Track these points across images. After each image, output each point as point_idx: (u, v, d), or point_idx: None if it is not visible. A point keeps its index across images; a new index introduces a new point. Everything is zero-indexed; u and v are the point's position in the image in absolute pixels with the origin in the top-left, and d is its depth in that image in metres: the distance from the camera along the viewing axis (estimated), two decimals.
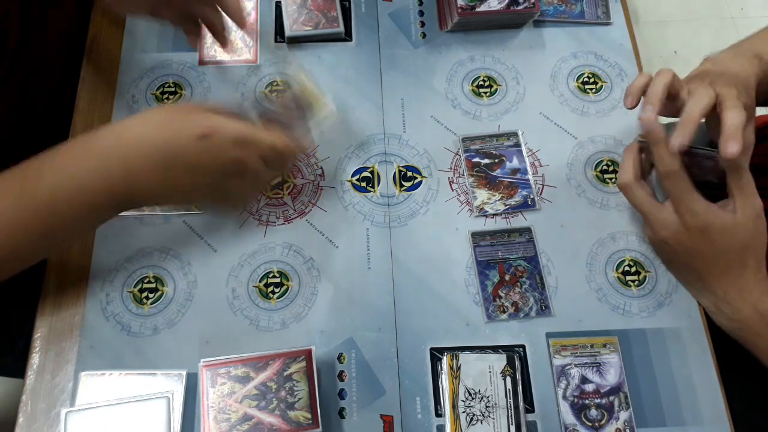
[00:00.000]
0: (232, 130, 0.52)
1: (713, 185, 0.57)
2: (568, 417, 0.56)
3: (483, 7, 0.71)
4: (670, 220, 0.56)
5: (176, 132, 0.51)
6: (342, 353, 0.58)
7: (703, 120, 0.55)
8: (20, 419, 0.54)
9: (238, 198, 0.60)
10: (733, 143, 0.51)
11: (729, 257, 0.55)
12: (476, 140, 0.68)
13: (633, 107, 0.58)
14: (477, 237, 0.63)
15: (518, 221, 0.65)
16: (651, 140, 0.55)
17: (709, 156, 0.56)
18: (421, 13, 0.75)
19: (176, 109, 0.54)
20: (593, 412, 0.57)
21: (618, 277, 0.63)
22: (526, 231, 0.64)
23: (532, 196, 0.65)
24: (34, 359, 0.57)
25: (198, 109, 0.53)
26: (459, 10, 0.70)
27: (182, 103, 0.68)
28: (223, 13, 0.63)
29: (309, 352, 0.54)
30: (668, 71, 0.57)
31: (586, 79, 0.72)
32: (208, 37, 0.72)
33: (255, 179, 0.56)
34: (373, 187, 0.66)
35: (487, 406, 0.55)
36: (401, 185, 0.66)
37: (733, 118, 0.52)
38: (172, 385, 0.55)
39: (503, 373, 0.57)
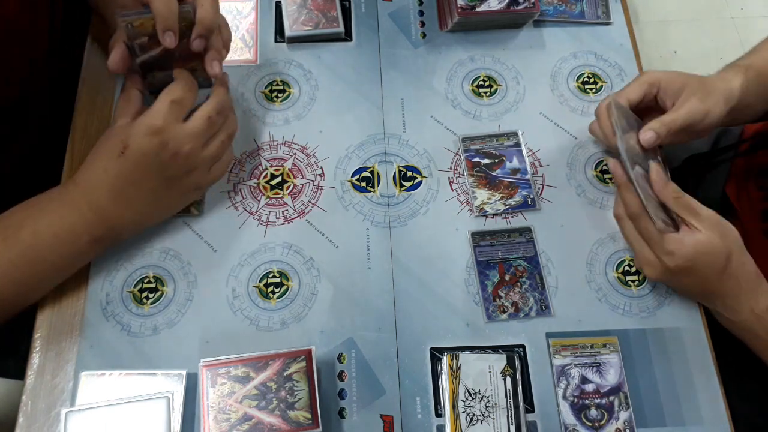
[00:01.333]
0: (145, 126, 0.53)
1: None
2: (568, 417, 0.56)
3: (483, 7, 0.71)
4: (655, 261, 0.57)
5: (108, 158, 0.54)
6: (342, 353, 0.58)
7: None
8: (20, 419, 0.54)
9: (202, 178, 0.59)
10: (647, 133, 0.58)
11: (716, 276, 0.56)
12: (476, 140, 0.68)
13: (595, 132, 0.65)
14: (477, 237, 0.63)
15: (518, 221, 0.65)
16: (616, 182, 0.58)
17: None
18: (421, 13, 0.75)
19: (104, 137, 0.56)
20: (593, 412, 0.57)
21: (618, 277, 0.63)
22: (526, 231, 0.64)
23: (532, 196, 0.65)
24: (34, 359, 0.57)
25: (116, 127, 0.55)
26: (459, 10, 0.70)
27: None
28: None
29: (309, 352, 0.54)
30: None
31: (586, 79, 0.72)
32: None
33: (201, 153, 0.57)
34: (373, 187, 0.66)
35: (487, 406, 0.55)
36: (401, 185, 0.66)
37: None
38: (172, 385, 0.55)
39: (503, 373, 0.57)
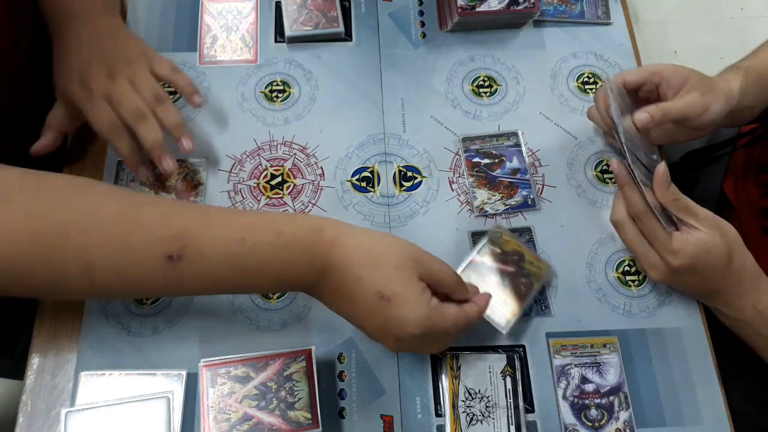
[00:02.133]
0: (416, 323, 0.48)
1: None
2: (568, 417, 0.56)
3: (483, 7, 0.71)
4: (658, 262, 0.57)
5: (362, 292, 0.48)
6: (342, 353, 0.58)
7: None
8: (20, 419, 0.54)
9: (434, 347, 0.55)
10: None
11: (719, 275, 0.56)
12: (476, 140, 0.68)
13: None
14: (477, 237, 0.63)
15: (518, 221, 0.65)
16: (619, 183, 0.57)
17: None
18: (421, 13, 0.75)
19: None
20: (593, 412, 0.57)
21: (618, 277, 0.63)
22: (526, 231, 0.64)
23: (532, 196, 0.65)
24: (34, 359, 0.56)
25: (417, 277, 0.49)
26: (459, 10, 0.70)
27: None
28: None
29: (309, 352, 0.54)
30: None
31: (586, 79, 0.72)
32: (208, 37, 0.72)
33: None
34: (373, 187, 0.66)
35: (487, 406, 0.55)
36: (401, 185, 0.66)
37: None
38: (172, 385, 0.55)
39: (503, 373, 0.57)
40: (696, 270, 0.55)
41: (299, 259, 0.48)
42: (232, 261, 0.48)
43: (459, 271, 0.59)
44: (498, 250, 0.60)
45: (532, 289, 0.59)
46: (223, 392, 0.53)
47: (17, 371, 0.61)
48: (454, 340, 0.54)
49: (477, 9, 0.71)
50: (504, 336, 0.58)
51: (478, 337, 0.59)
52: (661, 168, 0.55)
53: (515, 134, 0.68)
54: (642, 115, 0.58)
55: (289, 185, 0.65)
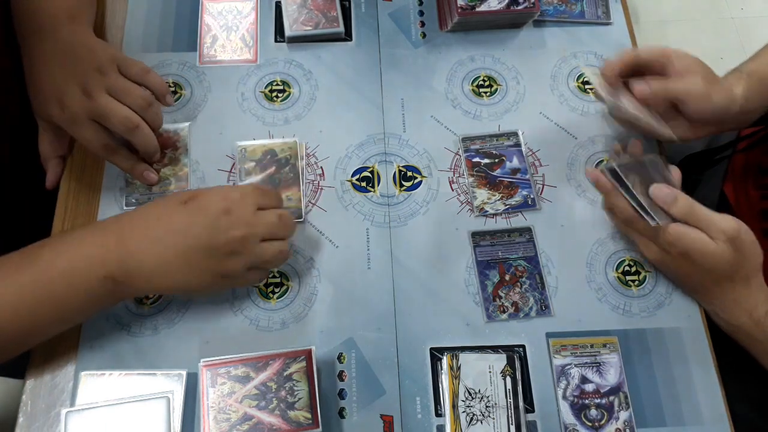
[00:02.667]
0: (216, 193, 0.54)
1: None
2: (568, 417, 0.56)
3: (483, 7, 0.71)
4: (653, 247, 0.57)
5: (168, 204, 0.54)
6: (342, 353, 0.58)
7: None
8: (20, 419, 0.54)
9: (238, 273, 0.54)
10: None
11: (715, 276, 0.56)
12: (476, 140, 0.68)
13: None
14: (477, 237, 0.63)
15: (518, 221, 0.65)
16: (600, 191, 0.59)
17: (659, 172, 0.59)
18: (421, 13, 0.75)
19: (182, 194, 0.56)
20: (593, 412, 0.57)
21: (618, 277, 0.63)
22: (526, 231, 0.64)
23: (532, 196, 0.65)
24: (34, 359, 0.56)
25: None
26: (459, 10, 0.70)
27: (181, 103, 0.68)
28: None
29: (309, 352, 0.54)
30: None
31: (586, 79, 0.72)
32: (208, 37, 0.72)
33: (256, 252, 0.54)
34: (373, 187, 0.66)
35: (487, 406, 0.55)
36: (401, 185, 0.66)
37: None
38: (172, 385, 0.55)
39: (503, 373, 0.57)
40: (690, 259, 0.55)
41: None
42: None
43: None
44: None
45: None
46: (223, 392, 0.53)
47: (17, 371, 0.61)
48: (275, 256, 0.55)
49: (477, 9, 0.71)
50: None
51: (478, 337, 0.59)
52: (656, 187, 0.56)
53: (515, 134, 0.68)
54: (641, 85, 0.59)
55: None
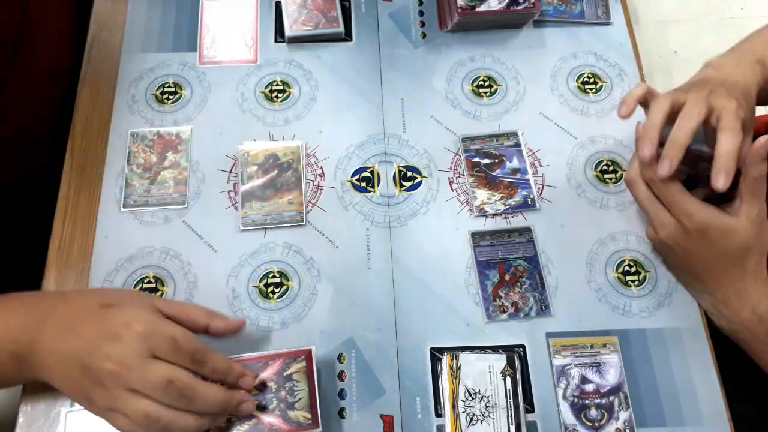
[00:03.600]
0: (134, 312, 0.48)
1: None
2: (568, 417, 0.56)
3: (483, 7, 0.71)
4: (670, 221, 0.56)
5: (89, 299, 0.50)
6: (342, 353, 0.58)
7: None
8: (20, 419, 0.54)
9: (104, 413, 0.47)
10: (722, 176, 0.51)
11: (727, 260, 0.55)
12: (476, 140, 0.68)
13: (626, 117, 0.57)
14: (477, 237, 0.63)
15: (518, 221, 0.65)
16: (641, 160, 0.55)
17: (704, 158, 0.56)
18: (421, 13, 0.75)
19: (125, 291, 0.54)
20: (593, 412, 0.57)
21: (618, 277, 0.63)
22: (526, 231, 0.64)
23: (532, 196, 0.65)
24: None
25: (143, 296, 0.52)
26: (459, 10, 0.70)
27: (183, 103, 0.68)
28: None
29: (309, 352, 0.54)
30: (666, 99, 0.55)
31: (586, 79, 0.72)
32: (208, 37, 0.72)
33: (117, 396, 0.45)
34: (373, 187, 0.66)
35: (487, 406, 0.55)
36: (401, 185, 0.66)
37: (726, 144, 0.51)
38: None
39: (503, 373, 0.57)
40: (706, 237, 0.54)
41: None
42: None
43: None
44: None
45: None
46: None
47: None
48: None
49: (477, 9, 0.71)
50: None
51: (478, 337, 0.59)
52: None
53: (515, 134, 0.68)
54: (720, 182, 0.52)
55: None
